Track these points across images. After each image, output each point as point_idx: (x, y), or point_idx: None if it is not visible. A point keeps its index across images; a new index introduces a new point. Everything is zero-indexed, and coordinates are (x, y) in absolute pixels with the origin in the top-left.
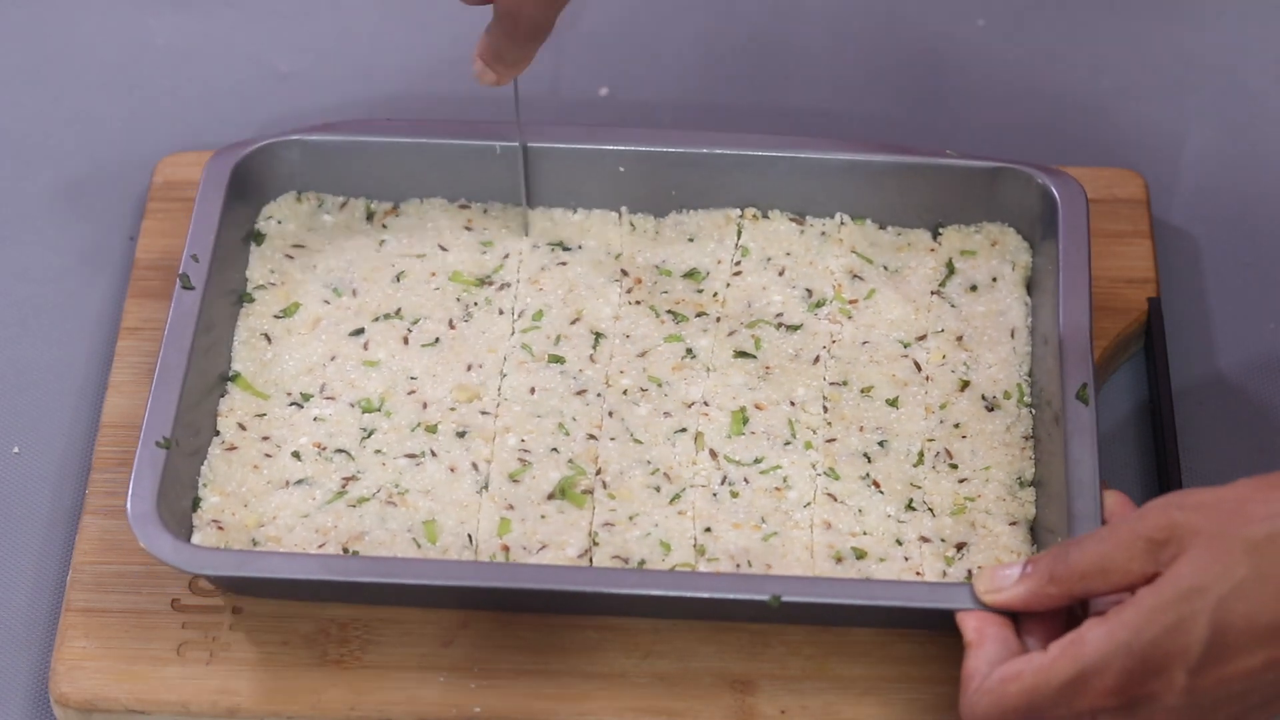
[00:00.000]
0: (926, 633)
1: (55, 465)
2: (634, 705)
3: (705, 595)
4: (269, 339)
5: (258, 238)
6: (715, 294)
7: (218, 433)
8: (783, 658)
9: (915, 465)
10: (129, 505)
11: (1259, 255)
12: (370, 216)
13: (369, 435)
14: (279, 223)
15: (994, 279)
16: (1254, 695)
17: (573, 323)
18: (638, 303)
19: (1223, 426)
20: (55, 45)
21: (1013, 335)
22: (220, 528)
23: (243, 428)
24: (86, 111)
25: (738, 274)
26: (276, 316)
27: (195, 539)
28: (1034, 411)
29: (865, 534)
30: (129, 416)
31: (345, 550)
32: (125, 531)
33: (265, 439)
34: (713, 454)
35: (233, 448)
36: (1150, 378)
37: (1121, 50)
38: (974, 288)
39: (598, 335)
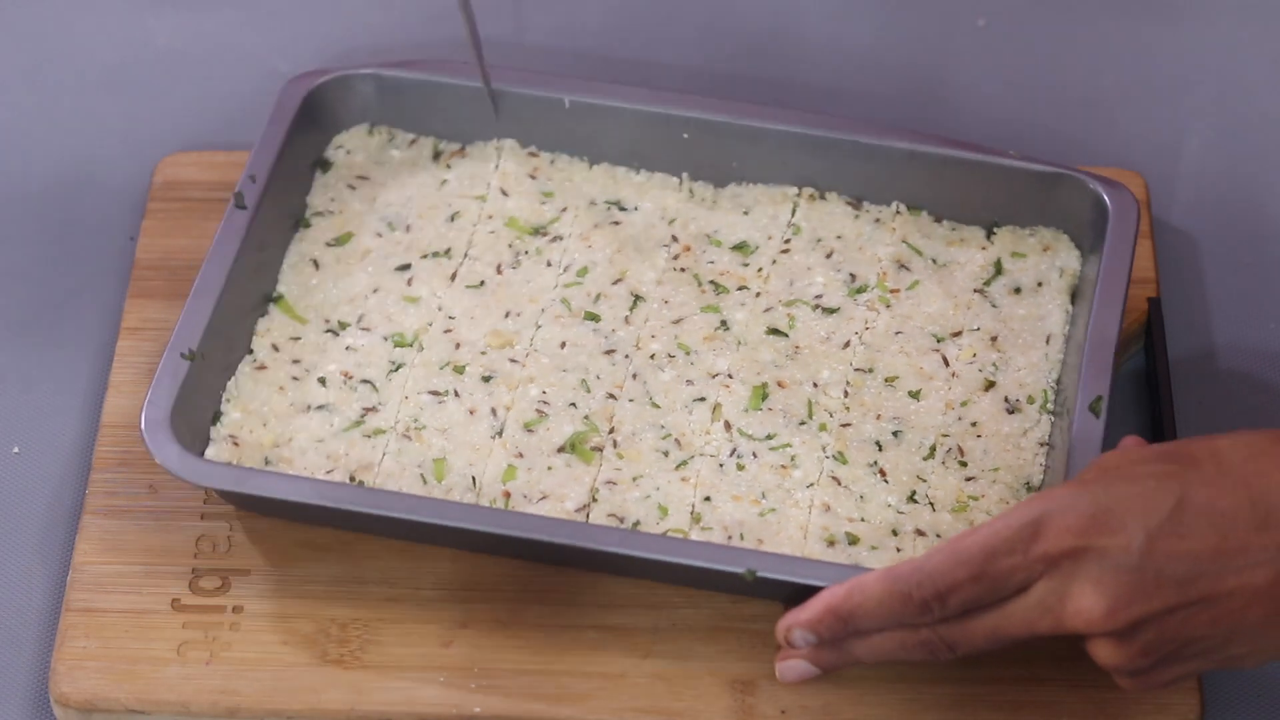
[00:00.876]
0: None
1: (55, 465)
2: (634, 705)
3: (683, 561)
4: (317, 265)
5: (324, 165)
6: (760, 269)
7: (250, 351)
8: None
9: (925, 459)
10: (144, 413)
11: (1259, 255)
12: (437, 156)
13: (396, 369)
14: (348, 153)
15: (1039, 284)
16: (1193, 590)
17: (615, 283)
18: (682, 270)
19: (1223, 427)
20: (55, 45)
21: (1048, 341)
22: (236, 443)
23: (276, 349)
24: (86, 111)
25: (785, 251)
26: (329, 244)
27: (209, 452)
28: (1054, 418)
29: (863, 520)
30: (129, 416)
31: (352, 479)
32: (125, 531)
33: (296, 362)
34: (727, 425)
35: (263, 367)
36: (1150, 378)
37: (1121, 50)
38: (1018, 290)
39: (637, 298)
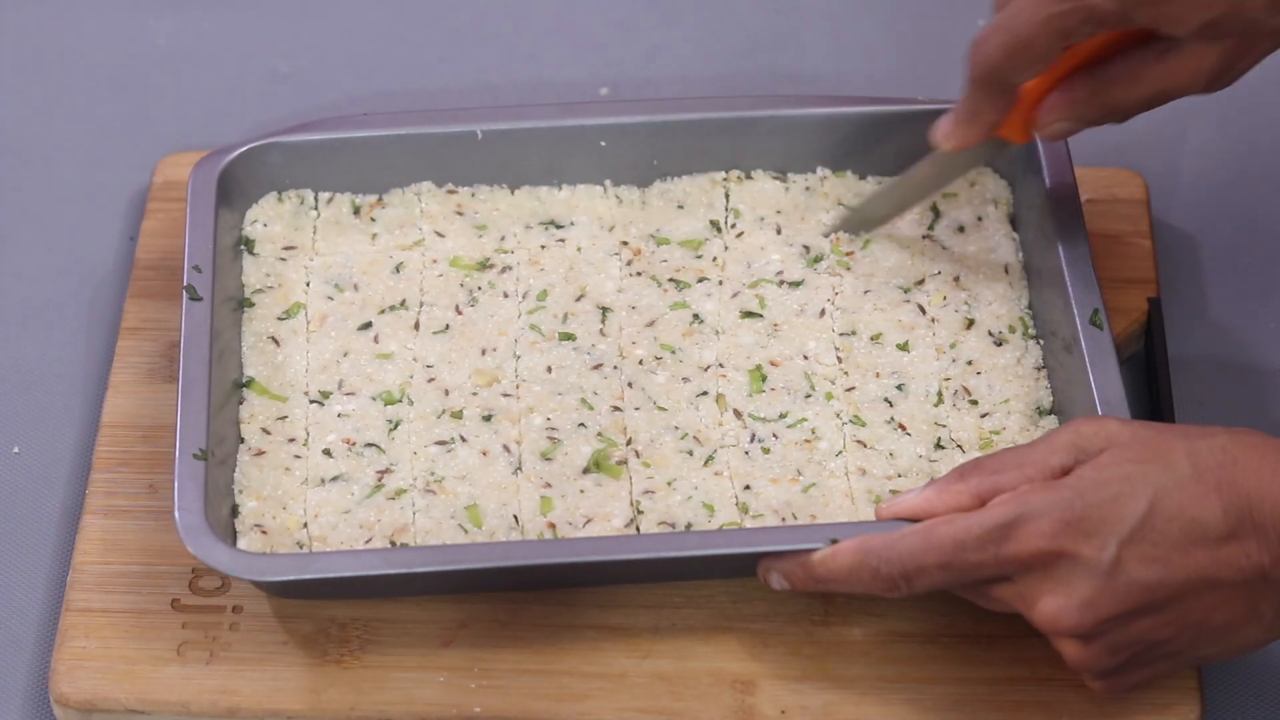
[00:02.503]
0: (927, 635)
1: (55, 465)
2: (634, 705)
3: (772, 549)
4: (276, 341)
5: (248, 244)
6: (715, 258)
7: (242, 440)
8: (783, 658)
9: (936, 405)
10: (178, 518)
11: (1259, 255)
12: (357, 211)
13: (395, 427)
14: (264, 226)
15: (979, 218)
16: (1159, 595)
17: (578, 299)
18: (639, 274)
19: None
20: (55, 45)
21: (1006, 270)
22: (263, 532)
23: (267, 432)
24: (86, 111)
25: (738, 235)
26: (280, 319)
27: (241, 545)
28: (1041, 342)
29: (900, 476)
30: (129, 416)
31: (392, 543)
32: (125, 531)
33: (291, 440)
34: (737, 413)
35: (260, 452)
36: (1150, 378)
37: None
38: (961, 228)
39: (604, 310)
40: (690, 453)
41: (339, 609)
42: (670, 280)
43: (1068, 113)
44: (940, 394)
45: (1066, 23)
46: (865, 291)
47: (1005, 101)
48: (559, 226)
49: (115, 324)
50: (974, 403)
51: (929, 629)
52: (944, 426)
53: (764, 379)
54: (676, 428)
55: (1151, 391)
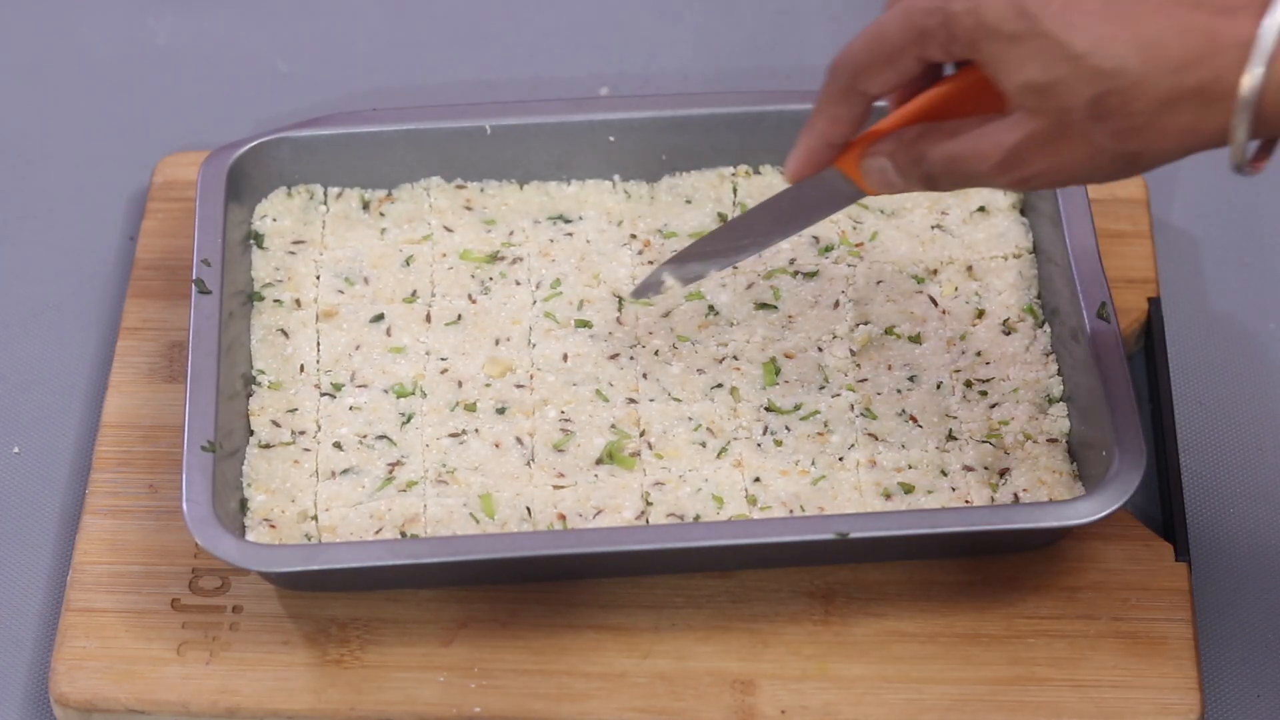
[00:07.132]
0: (927, 635)
1: (55, 465)
2: (634, 705)
3: (776, 539)
4: (286, 334)
5: (257, 238)
6: None
7: (252, 432)
8: (783, 658)
9: (946, 396)
10: (185, 509)
11: (1259, 255)
12: (366, 206)
13: (408, 420)
14: (274, 220)
15: (984, 207)
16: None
17: (594, 286)
18: (650, 263)
19: (1223, 426)
20: (55, 45)
21: (1017, 256)
22: (272, 525)
23: (276, 425)
24: (86, 111)
25: None
26: (290, 311)
27: (250, 539)
28: (1049, 328)
29: (910, 468)
30: (129, 416)
31: (403, 534)
32: (125, 531)
33: (301, 433)
34: (751, 405)
35: (269, 445)
36: (1150, 378)
37: None
38: (969, 217)
39: (620, 298)
40: (703, 444)
41: (340, 609)
42: None
43: (884, 147)
44: (951, 386)
45: (925, 21)
46: (878, 282)
47: (854, 111)
48: (567, 221)
49: (115, 324)
50: (983, 394)
51: (929, 629)
52: (954, 419)
53: (778, 372)
54: (690, 419)
55: (1152, 391)
